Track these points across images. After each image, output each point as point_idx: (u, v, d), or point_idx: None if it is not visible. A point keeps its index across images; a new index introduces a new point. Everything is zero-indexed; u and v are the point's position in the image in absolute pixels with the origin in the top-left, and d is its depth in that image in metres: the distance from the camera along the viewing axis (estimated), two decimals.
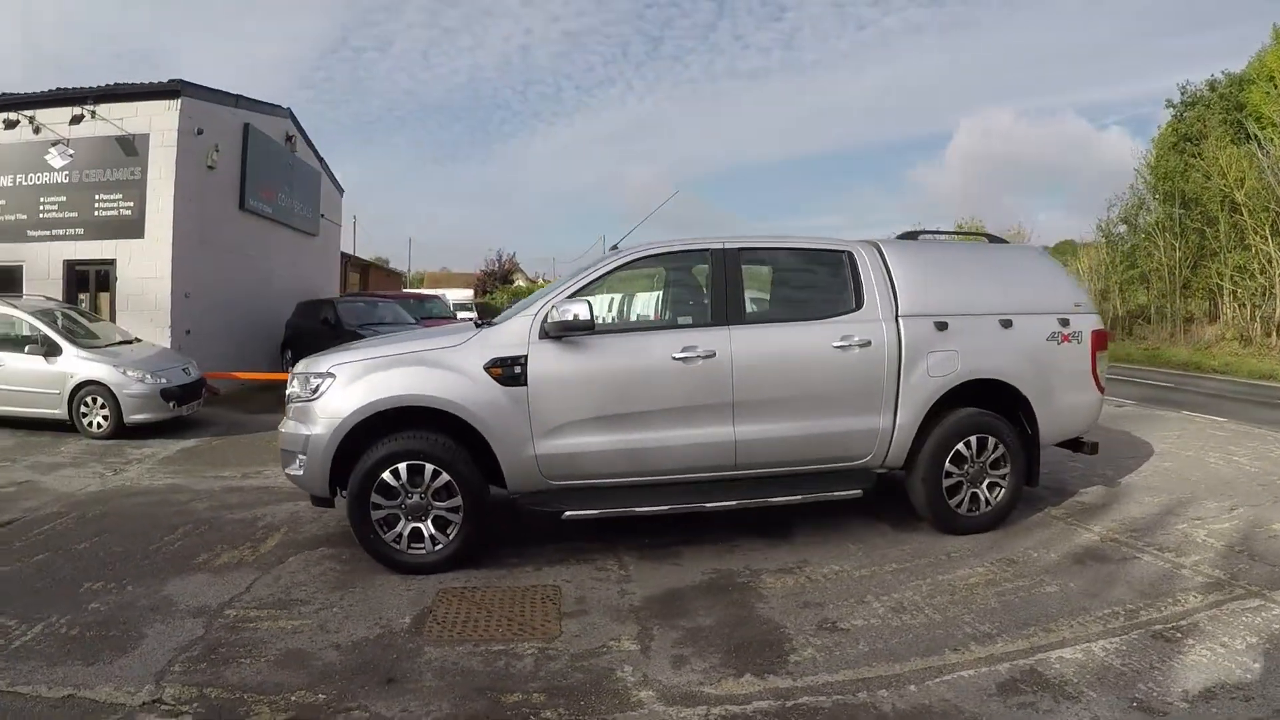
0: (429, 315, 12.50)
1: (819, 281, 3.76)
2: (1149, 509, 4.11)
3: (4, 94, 9.29)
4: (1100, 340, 4.07)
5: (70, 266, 9.43)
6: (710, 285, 3.59)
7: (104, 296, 9.67)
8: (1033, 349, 3.88)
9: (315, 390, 3.38)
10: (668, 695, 2.19)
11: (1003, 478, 3.78)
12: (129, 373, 6.75)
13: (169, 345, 8.88)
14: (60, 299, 8.91)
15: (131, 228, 9.42)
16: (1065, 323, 3.96)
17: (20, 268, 9.27)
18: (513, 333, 3.39)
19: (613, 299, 3.99)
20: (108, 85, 9.29)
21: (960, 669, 2.32)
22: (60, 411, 6.69)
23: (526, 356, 3.32)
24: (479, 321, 3.72)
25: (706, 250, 3.65)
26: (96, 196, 9.37)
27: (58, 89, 9.30)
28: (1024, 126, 69.66)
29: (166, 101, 9.39)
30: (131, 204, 9.42)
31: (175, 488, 4.99)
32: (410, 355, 3.41)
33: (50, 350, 6.69)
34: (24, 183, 9.27)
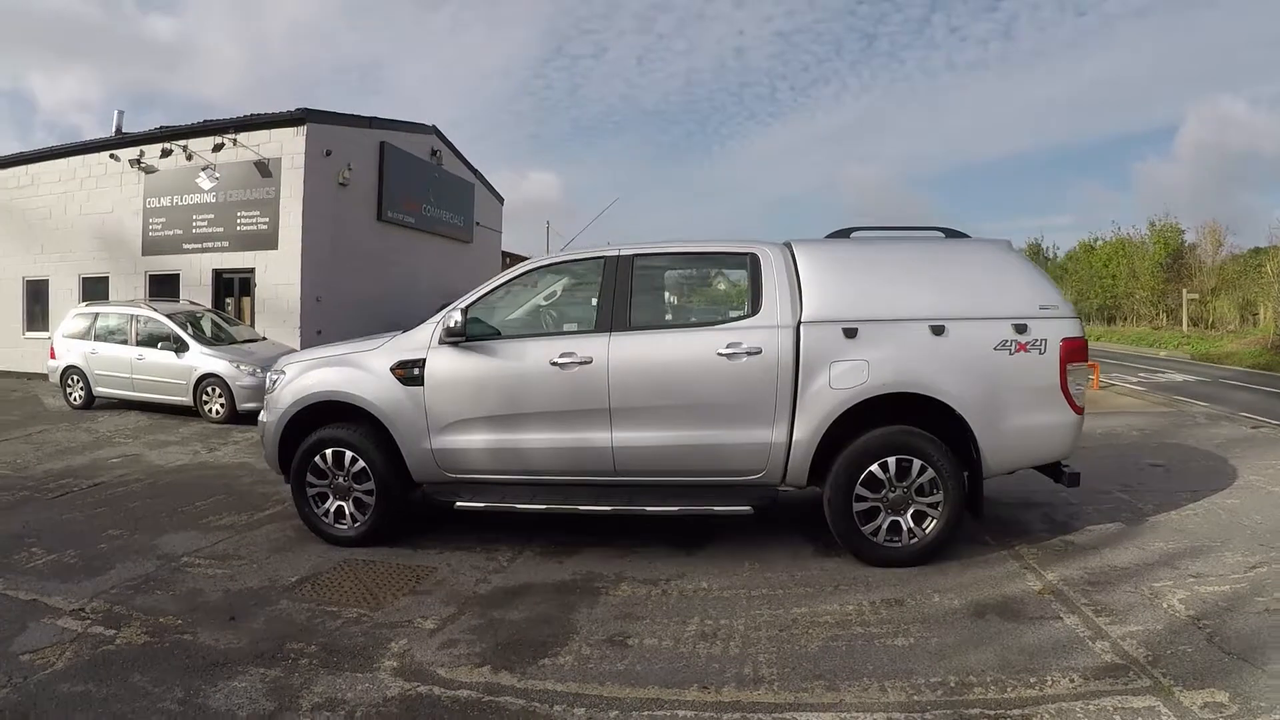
0: None
1: (717, 286, 3.95)
2: (1144, 556, 3.63)
3: (162, 127, 12.29)
4: (1074, 350, 3.69)
5: (218, 275, 12.15)
6: (599, 293, 3.98)
7: (246, 301, 12.28)
8: (973, 359, 3.65)
9: (273, 385, 4.38)
10: (405, 669, 2.67)
11: (934, 506, 3.62)
12: (242, 367, 8.68)
13: (298, 345, 11.05)
14: (210, 303, 11.55)
15: (267, 240, 11.88)
16: (1022, 329, 3.66)
17: (178, 276, 12.17)
18: (417, 338, 4.08)
19: (536, 306, 4.45)
20: (246, 116, 11.85)
21: (684, 708, 2.39)
22: (187, 399, 8.82)
23: (425, 360, 4.00)
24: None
25: (600, 259, 4.04)
26: (238, 213, 11.97)
27: (205, 121, 12.07)
28: (1262, 115, 58.45)
29: (294, 128, 11.71)
30: (267, 219, 11.88)
31: (242, 465, 6.46)
32: (339, 357, 4.26)
33: (180, 347, 8.86)
34: (179, 203, 12.15)
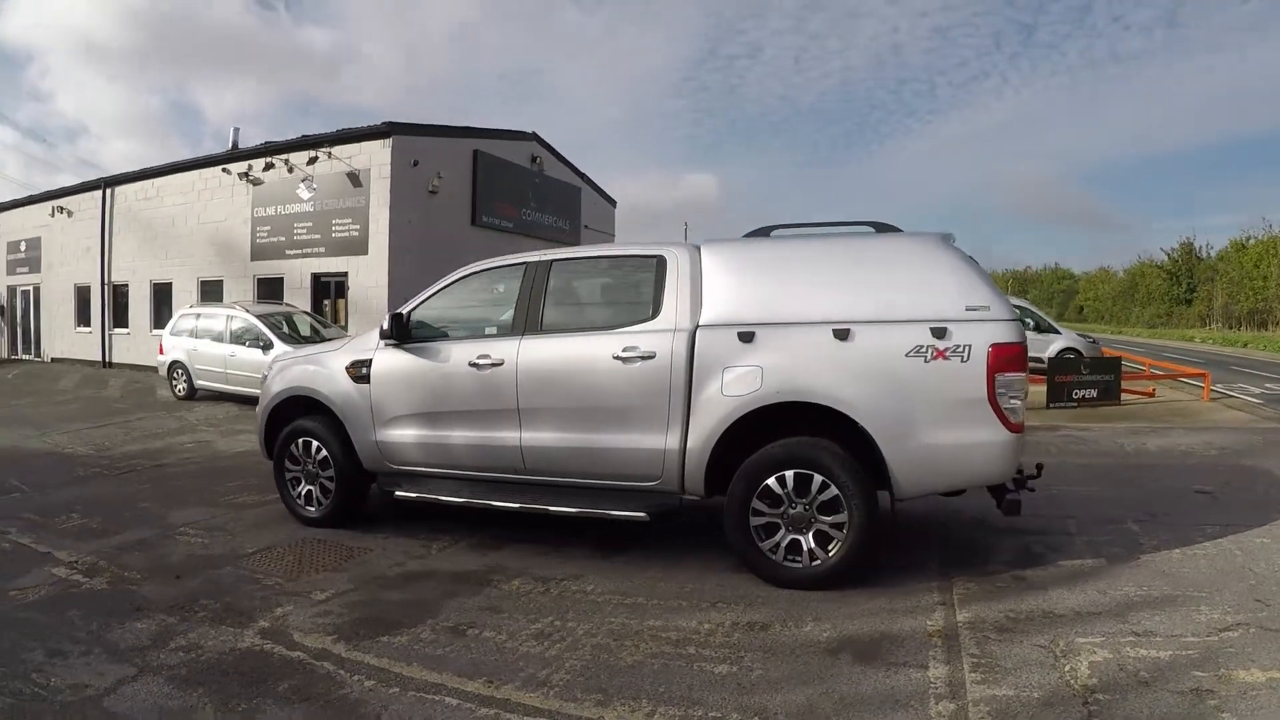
0: None
1: (624, 290, 4.19)
2: (1095, 603, 3.34)
3: (266, 143, 14.33)
4: (1005, 358, 3.49)
5: (316, 278, 13.97)
6: (517, 297, 4.39)
7: (341, 303, 14.02)
8: (880, 367, 3.59)
9: (265, 379, 5.25)
10: (270, 629, 3.22)
11: (839, 527, 3.58)
12: None
13: None
14: (309, 305, 13.35)
15: (358, 246, 13.51)
16: (941, 333, 3.52)
17: (282, 279, 14.14)
18: (369, 340, 4.74)
19: (469, 309, 4.92)
20: (338, 131, 13.56)
21: (455, 696, 2.64)
22: None
23: (372, 360, 4.64)
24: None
25: (521, 264, 4.46)
26: (332, 221, 13.70)
27: (303, 136, 13.94)
28: None
29: (381, 141, 13.24)
30: (358, 227, 13.51)
31: None
32: (311, 356, 5.03)
33: (265, 345, 10.41)
34: (282, 212, 14.10)
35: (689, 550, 4.22)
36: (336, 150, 13.49)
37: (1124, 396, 10.67)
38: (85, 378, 15.76)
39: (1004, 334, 3.52)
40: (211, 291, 15.14)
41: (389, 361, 4.57)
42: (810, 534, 3.64)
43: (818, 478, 3.58)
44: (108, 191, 16.82)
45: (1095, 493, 5.45)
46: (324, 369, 4.83)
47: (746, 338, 3.75)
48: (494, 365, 4.22)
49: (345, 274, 13.77)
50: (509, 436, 4.21)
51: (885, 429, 3.57)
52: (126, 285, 16.92)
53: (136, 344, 16.68)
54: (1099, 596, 3.46)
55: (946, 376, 3.53)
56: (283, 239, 14.25)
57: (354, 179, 13.43)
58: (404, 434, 4.51)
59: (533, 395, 4.14)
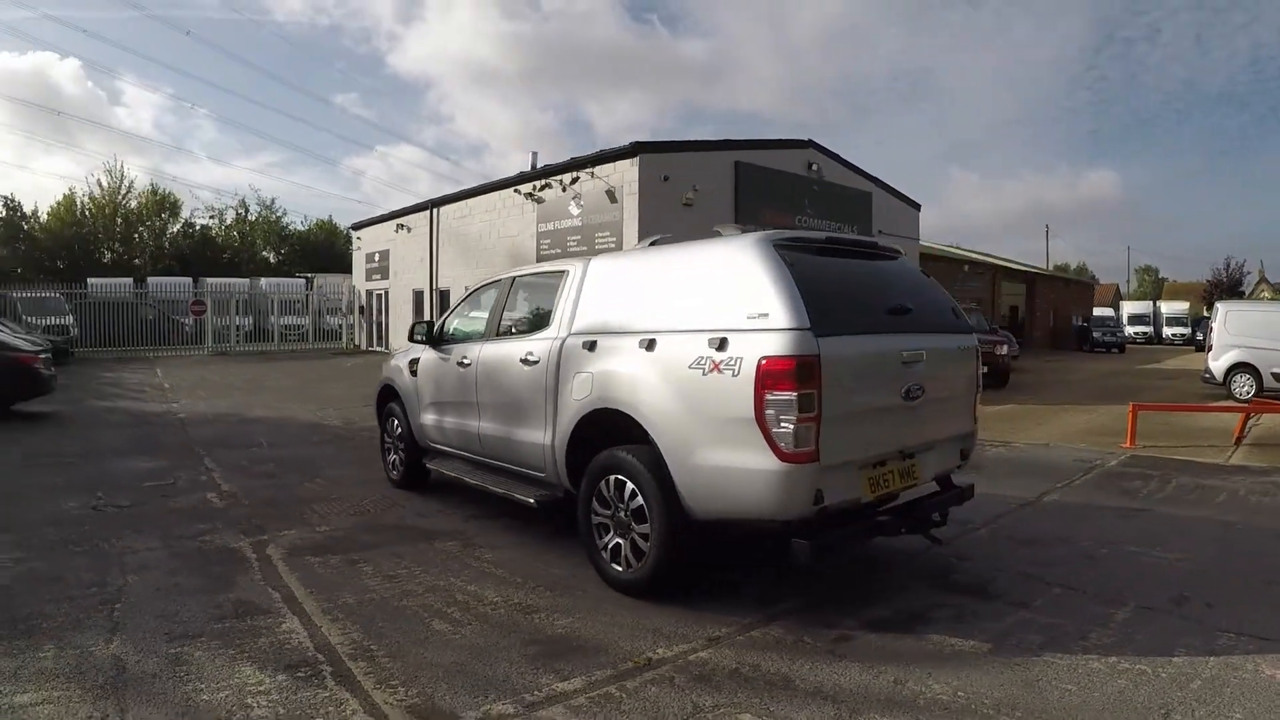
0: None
1: (543, 301, 5.12)
2: (862, 693, 3.30)
3: (545, 166, 17.60)
4: (774, 374, 3.42)
5: None
6: (491, 307, 5.65)
7: None
8: (671, 378, 3.86)
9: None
10: (260, 542, 5.10)
11: (645, 537, 4.01)
12: None
13: None
14: None
15: None
16: (721, 344, 3.67)
17: None
18: (423, 342, 6.51)
19: (476, 317, 6.15)
20: (597, 152, 16.19)
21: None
22: None
23: (419, 358, 6.40)
24: None
25: (500, 279, 5.70)
26: (595, 234, 16.38)
27: (571, 159, 16.82)
28: None
29: (630, 160, 15.49)
30: (615, 239, 15.99)
31: None
32: (401, 353, 7.01)
33: None
34: (558, 227, 17.20)
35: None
36: (599, 170, 16.13)
37: None
38: None
39: (777, 346, 3.47)
40: None
41: (424, 360, 6.26)
42: (628, 540, 4.12)
43: (629, 485, 4.07)
44: (434, 211, 22.54)
45: (1157, 560, 4.67)
46: (398, 364, 6.76)
47: (590, 346, 4.45)
48: (467, 365, 5.58)
49: None
50: (473, 424, 5.53)
51: (670, 443, 3.85)
52: (449, 290, 22.28)
53: None
54: (883, 685, 3.12)
55: (721, 391, 3.61)
56: (559, 251, 17.48)
57: (611, 196, 15.89)
58: (428, 418, 6.16)
59: (483, 390, 5.40)
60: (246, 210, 39.65)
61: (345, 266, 30.98)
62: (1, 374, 10.30)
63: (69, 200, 36.09)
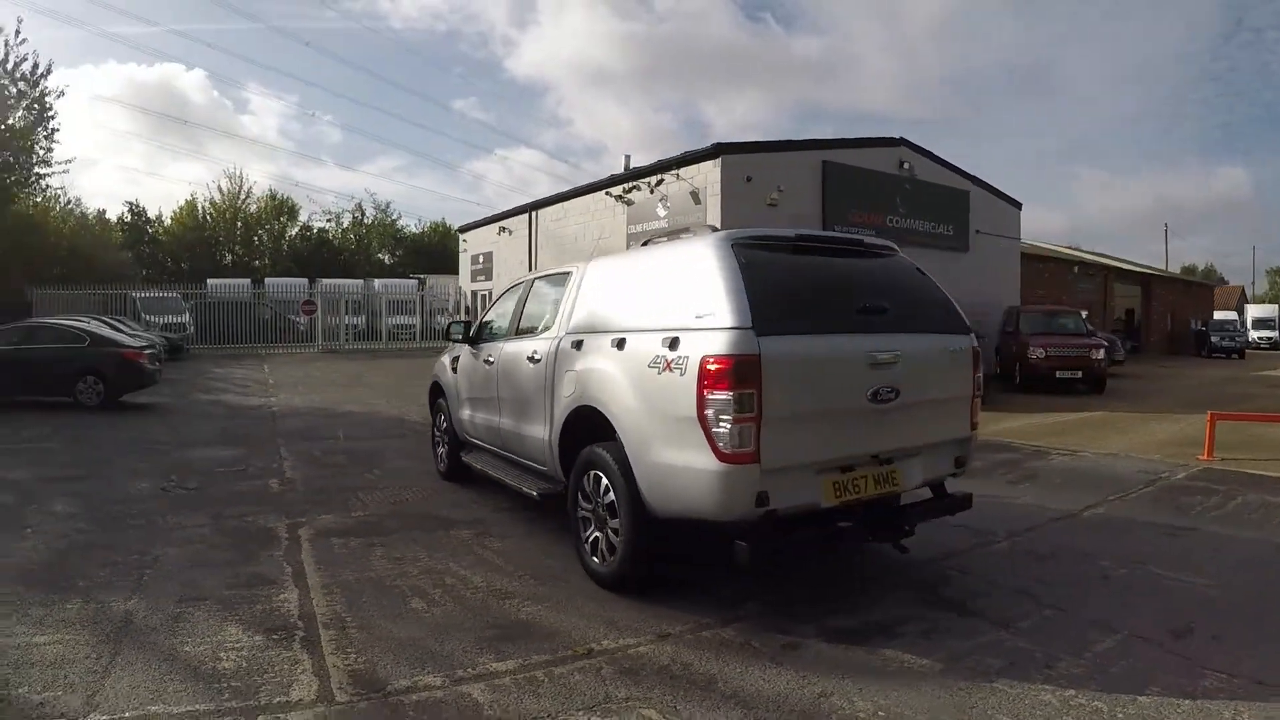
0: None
1: (552, 301, 5.43)
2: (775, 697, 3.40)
3: (633, 169, 17.97)
4: (715, 373, 3.55)
5: None
6: (514, 307, 6.03)
7: None
8: (632, 377, 4.09)
9: None
10: (295, 524, 5.71)
11: (617, 531, 4.24)
12: None
13: None
14: None
15: None
16: (674, 344, 3.86)
17: None
18: (460, 340, 6.99)
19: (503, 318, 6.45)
20: (681, 154, 16.43)
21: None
22: None
23: (459, 356, 6.88)
24: None
25: (523, 280, 6.07)
26: (681, 236, 16.66)
27: (658, 161, 17.12)
28: None
29: (711, 161, 15.69)
30: None
31: None
32: (447, 351, 7.53)
33: None
34: (646, 228, 17.55)
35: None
36: (683, 171, 16.37)
37: None
38: None
39: (717, 345, 3.61)
40: None
41: (462, 357, 6.75)
42: (605, 534, 4.37)
43: (604, 480, 4.32)
44: (533, 214, 23.36)
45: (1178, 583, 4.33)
46: (444, 361, 7.29)
47: (578, 345, 4.74)
48: (491, 363, 6.00)
49: None
50: (495, 419, 5.94)
51: (631, 440, 4.08)
52: None
53: None
54: (805, 696, 3.15)
55: (672, 390, 3.78)
56: None
57: (695, 197, 16.11)
58: (464, 413, 6.63)
59: (502, 386, 5.79)
60: (363, 214, 42.54)
61: (456, 268, 32.62)
62: (109, 368, 11.78)
63: (190, 205, 39.69)
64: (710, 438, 3.59)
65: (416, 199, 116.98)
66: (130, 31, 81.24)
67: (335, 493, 6.69)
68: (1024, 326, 16.88)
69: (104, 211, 37.52)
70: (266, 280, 29.58)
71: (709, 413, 3.58)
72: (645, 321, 4.24)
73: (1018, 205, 21.28)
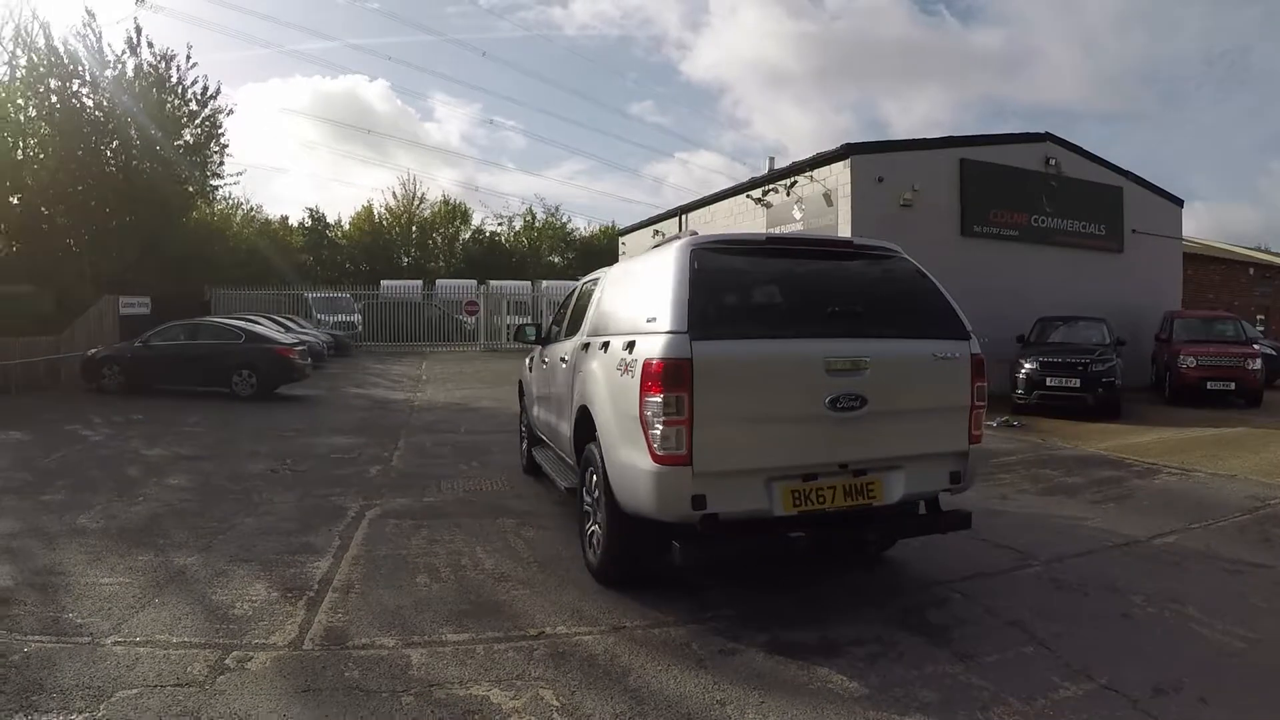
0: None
1: (584, 306, 5.85)
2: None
3: (771, 171, 18.05)
4: (651, 375, 3.79)
5: None
6: (566, 310, 6.55)
7: None
8: (607, 378, 4.44)
9: None
10: (364, 506, 6.59)
11: (602, 525, 4.58)
12: None
13: None
14: None
15: None
16: (631, 347, 4.15)
17: None
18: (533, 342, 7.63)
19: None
20: (814, 156, 16.39)
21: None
22: None
23: (534, 355, 7.53)
24: None
25: (575, 286, 6.59)
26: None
27: (793, 163, 17.10)
28: None
29: (841, 162, 15.56)
30: None
31: None
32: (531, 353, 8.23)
33: None
34: (784, 230, 17.54)
35: None
36: (817, 173, 16.30)
37: None
38: None
39: (655, 349, 3.86)
40: None
41: (535, 358, 7.40)
42: (596, 528, 4.69)
43: (595, 477, 4.67)
44: (683, 217, 23.89)
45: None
46: (525, 362, 8.00)
47: (586, 348, 5.17)
48: (547, 364, 6.60)
49: None
50: (549, 416, 6.50)
51: (604, 438, 4.43)
52: None
53: None
54: (703, 701, 3.29)
55: (627, 391, 4.05)
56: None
57: (828, 198, 16.01)
58: (534, 410, 7.27)
59: (551, 385, 6.32)
60: (533, 217, 45.25)
61: None
62: (263, 362, 13.71)
63: (367, 210, 43.42)
64: (648, 439, 3.85)
65: (601, 203, 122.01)
66: (312, 48, 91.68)
67: (422, 480, 7.54)
68: (1177, 333, 15.59)
69: (287, 218, 42.48)
70: (437, 282, 32.34)
71: (648, 414, 3.84)
72: (624, 325, 4.57)
73: (1179, 202, 20.05)
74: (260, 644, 3.70)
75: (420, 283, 31.75)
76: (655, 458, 3.81)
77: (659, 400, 3.78)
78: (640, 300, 4.47)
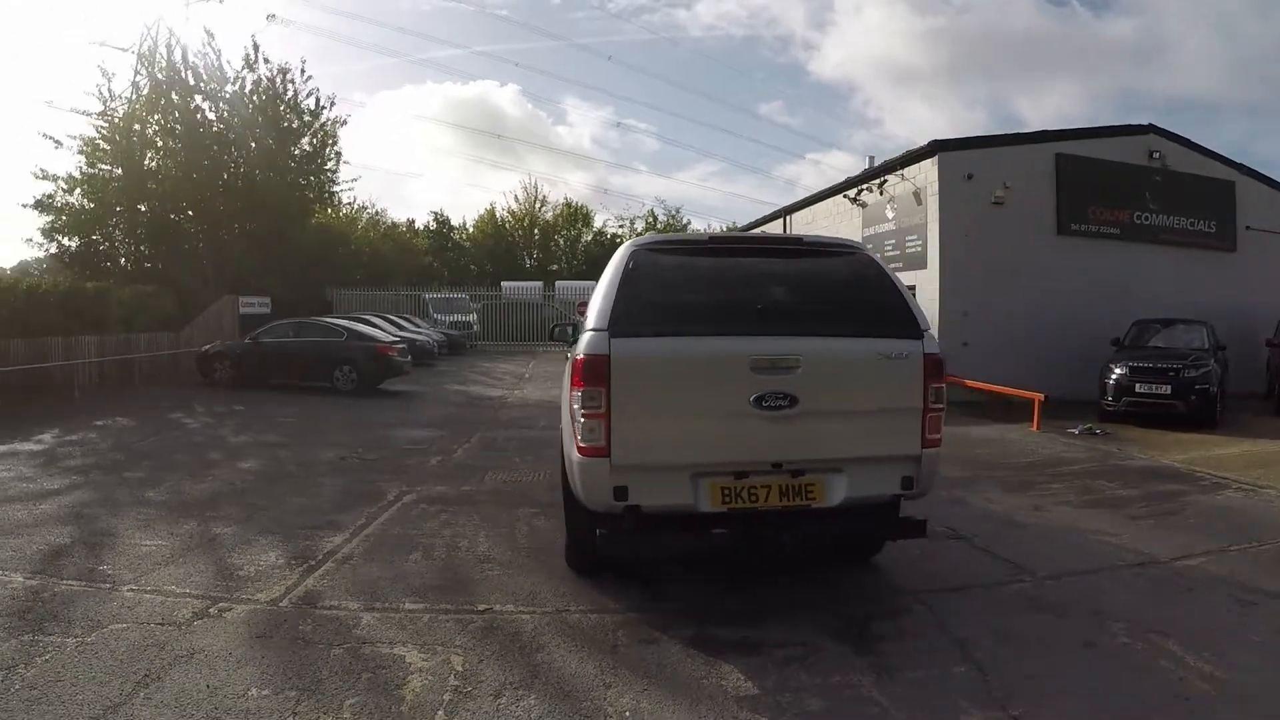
0: None
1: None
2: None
3: (865, 171, 17.71)
4: (576, 370, 4.11)
5: None
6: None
7: None
8: (564, 375, 4.82)
9: None
10: (400, 491, 7.28)
11: None
12: None
13: None
14: None
15: (920, 260, 15.83)
16: (576, 343, 4.54)
17: None
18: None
19: None
20: (903, 154, 16.09)
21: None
22: None
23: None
24: None
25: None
26: (905, 237, 16.26)
27: (884, 162, 16.77)
28: None
29: (930, 160, 15.23)
30: (921, 242, 15.79)
31: None
32: None
33: None
34: (878, 230, 17.30)
35: None
36: (908, 171, 15.98)
37: None
38: None
39: (581, 346, 4.14)
40: None
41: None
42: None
43: None
44: (787, 218, 23.84)
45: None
46: None
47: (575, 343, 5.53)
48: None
49: (913, 287, 16.04)
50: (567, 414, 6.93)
51: (563, 431, 4.74)
52: None
53: None
54: (586, 684, 3.55)
55: (567, 387, 4.38)
56: (879, 255, 17.62)
57: (917, 197, 15.66)
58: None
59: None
60: (654, 218, 45.88)
61: None
62: (362, 359, 14.94)
63: (490, 213, 45.25)
64: (575, 430, 4.12)
65: (734, 205, 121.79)
66: (440, 55, 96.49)
67: (472, 471, 8.17)
68: None
69: (413, 221, 44.81)
70: (556, 283, 33.58)
71: (575, 407, 4.11)
72: (584, 326, 4.77)
73: None
74: (246, 599, 4.40)
75: (540, 284, 33.06)
76: (579, 449, 4.07)
77: (580, 394, 4.04)
78: (594, 301, 4.71)
